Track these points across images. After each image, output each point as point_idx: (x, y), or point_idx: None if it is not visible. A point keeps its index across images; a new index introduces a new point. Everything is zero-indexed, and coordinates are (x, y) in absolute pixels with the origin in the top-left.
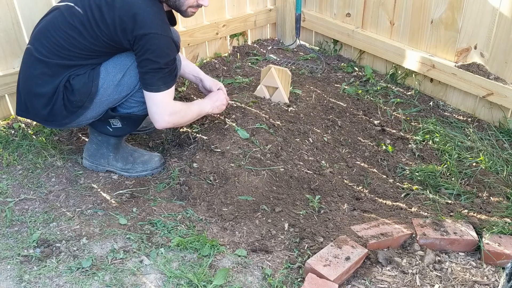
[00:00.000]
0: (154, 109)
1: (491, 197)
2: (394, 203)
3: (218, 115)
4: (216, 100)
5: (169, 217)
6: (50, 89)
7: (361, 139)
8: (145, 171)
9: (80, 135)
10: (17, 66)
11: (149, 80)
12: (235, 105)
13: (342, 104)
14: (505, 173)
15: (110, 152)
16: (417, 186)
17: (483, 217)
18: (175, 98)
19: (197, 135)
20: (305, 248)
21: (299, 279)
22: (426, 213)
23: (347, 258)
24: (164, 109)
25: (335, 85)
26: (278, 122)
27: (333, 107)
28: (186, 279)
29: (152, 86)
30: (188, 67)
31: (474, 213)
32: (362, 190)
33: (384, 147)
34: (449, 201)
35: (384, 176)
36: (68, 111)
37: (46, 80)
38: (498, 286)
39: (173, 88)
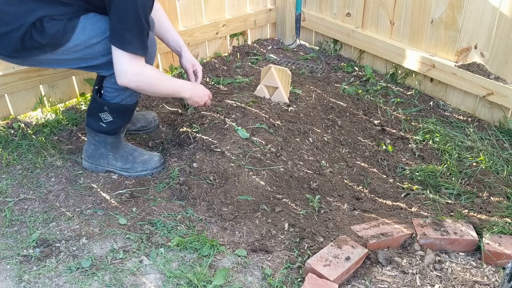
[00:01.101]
0: (120, 64)
1: (491, 197)
2: (394, 203)
3: (218, 115)
4: (200, 96)
5: (169, 217)
6: (13, 13)
7: (361, 139)
8: (145, 171)
9: (80, 134)
10: (16, 66)
11: (120, 32)
12: (235, 104)
13: (342, 104)
14: (505, 173)
15: (109, 152)
16: (417, 186)
17: (483, 217)
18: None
19: (197, 134)
20: (305, 248)
21: (299, 279)
22: (426, 213)
23: (347, 258)
24: (129, 65)
25: (335, 84)
26: (278, 122)
27: (333, 107)
28: (186, 279)
29: (124, 39)
30: (169, 32)
31: (474, 213)
32: (362, 190)
33: (384, 147)
34: (449, 201)
35: (384, 176)
36: (23, 46)
37: (14, 3)
38: (498, 286)
39: (143, 57)
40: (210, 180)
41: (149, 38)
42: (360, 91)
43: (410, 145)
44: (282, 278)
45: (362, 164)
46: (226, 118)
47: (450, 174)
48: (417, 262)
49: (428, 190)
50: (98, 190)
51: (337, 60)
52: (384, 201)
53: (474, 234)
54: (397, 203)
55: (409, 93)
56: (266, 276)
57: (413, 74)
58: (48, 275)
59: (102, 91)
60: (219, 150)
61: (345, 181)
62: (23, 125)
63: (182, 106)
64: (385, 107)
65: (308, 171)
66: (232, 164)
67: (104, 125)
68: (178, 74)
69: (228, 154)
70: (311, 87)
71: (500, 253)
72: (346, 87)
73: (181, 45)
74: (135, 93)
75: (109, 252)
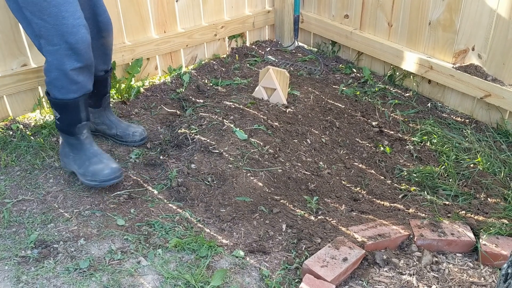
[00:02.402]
0: None
1: (488, 198)
2: (392, 204)
3: (216, 116)
4: None
5: (166, 218)
6: None
7: (359, 140)
8: (93, 182)
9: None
10: (15, 68)
11: None
12: (233, 106)
13: (340, 105)
14: (502, 174)
15: (70, 152)
16: (414, 187)
17: (481, 218)
18: (176, 99)
19: (195, 136)
20: (303, 249)
21: (296, 280)
22: (423, 214)
23: (345, 259)
24: None
25: (333, 86)
26: (276, 123)
27: (331, 108)
28: (183, 280)
29: None
30: None
31: (471, 214)
32: (360, 191)
33: (382, 148)
34: (447, 202)
35: (382, 177)
36: None
37: None
38: (495, 287)
39: None
40: (208, 181)
41: None
42: (358, 93)
43: (407, 147)
44: (279, 279)
45: (360, 165)
46: (224, 120)
47: (447, 175)
48: (414, 263)
49: (425, 192)
50: (96, 191)
51: (335, 61)
52: (382, 202)
53: (471, 235)
54: (395, 204)
55: (407, 94)
56: (263, 277)
57: (411, 76)
58: (46, 276)
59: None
60: (217, 151)
61: (343, 182)
62: (21, 126)
63: (181, 108)
64: (383, 109)
65: (306, 172)
66: (230, 165)
67: (58, 122)
68: (177, 76)
69: (226, 155)
70: (309, 89)
71: (497, 254)
72: (344, 88)
73: None
74: (68, 85)
75: (107, 253)
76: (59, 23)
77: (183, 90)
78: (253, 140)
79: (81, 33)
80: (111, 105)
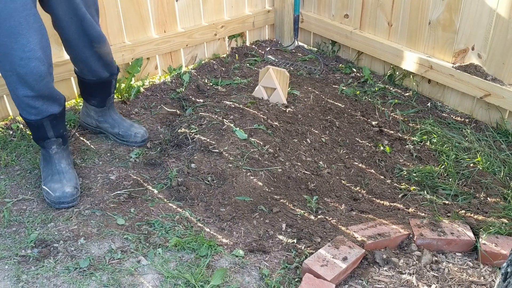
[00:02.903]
0: None
1: (488, 198)
2: (392, 204)
3: (216, 116)
4: None
5: (166, 217)
6: None
7: (359, 140)
8: (46, 199)
9: (78, 135)
10: None
11: None
12: (233, 105)
13: (340, 105)
14: (502, 173)
15: (41, 162)
16: (414, 187)
17: (480, 217)
18: (176, 99)
19: (195, 135)
20: (303, 248)
21: (296, 279)
22: (423, 214)
23: (344, 259)
24: None
25: (333, 86)
26: (276, 123)
27: (331, 108)
28: (183, 279)
29: None
30: None
31: (471, 214)
32: (359, 190)
33: (382, 147)
34: (447, 202)
35: (382, 177)
36: None
37: None
38: (494, 286)
39: None
40: (208, 181)
41: None
42: (358, 92)
43: (407, 146)
44: (279, 278)
45: (360, 165)
46: (224, 119)
47: (447, 175)
48: (414, 263)
49: (425, 191)
50: (97, 190)
51: (335, 61)
52: (382, 202)
53: (471, 234)
54: (395, 204)
55: (407, 94)
56: (263, 276)
57: (411, 76)
58: (46, 275)
59: None
60: (217, 151)
61: (343, 182)
62: (21, 126)
63: (181, 107)
64: (383, 108)
65: (306, 172)
66: (230, 165)
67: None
68: (177, 75)
69: (226, 155)
70: (309, 88)
71: (496, 253)
72: (344, 88)
73: None
74: (27, 108)
75: (107, 252)
76: (9, 53)
77: (183, 89)
78: (253, 139)
79: (30, 66)
80: None
